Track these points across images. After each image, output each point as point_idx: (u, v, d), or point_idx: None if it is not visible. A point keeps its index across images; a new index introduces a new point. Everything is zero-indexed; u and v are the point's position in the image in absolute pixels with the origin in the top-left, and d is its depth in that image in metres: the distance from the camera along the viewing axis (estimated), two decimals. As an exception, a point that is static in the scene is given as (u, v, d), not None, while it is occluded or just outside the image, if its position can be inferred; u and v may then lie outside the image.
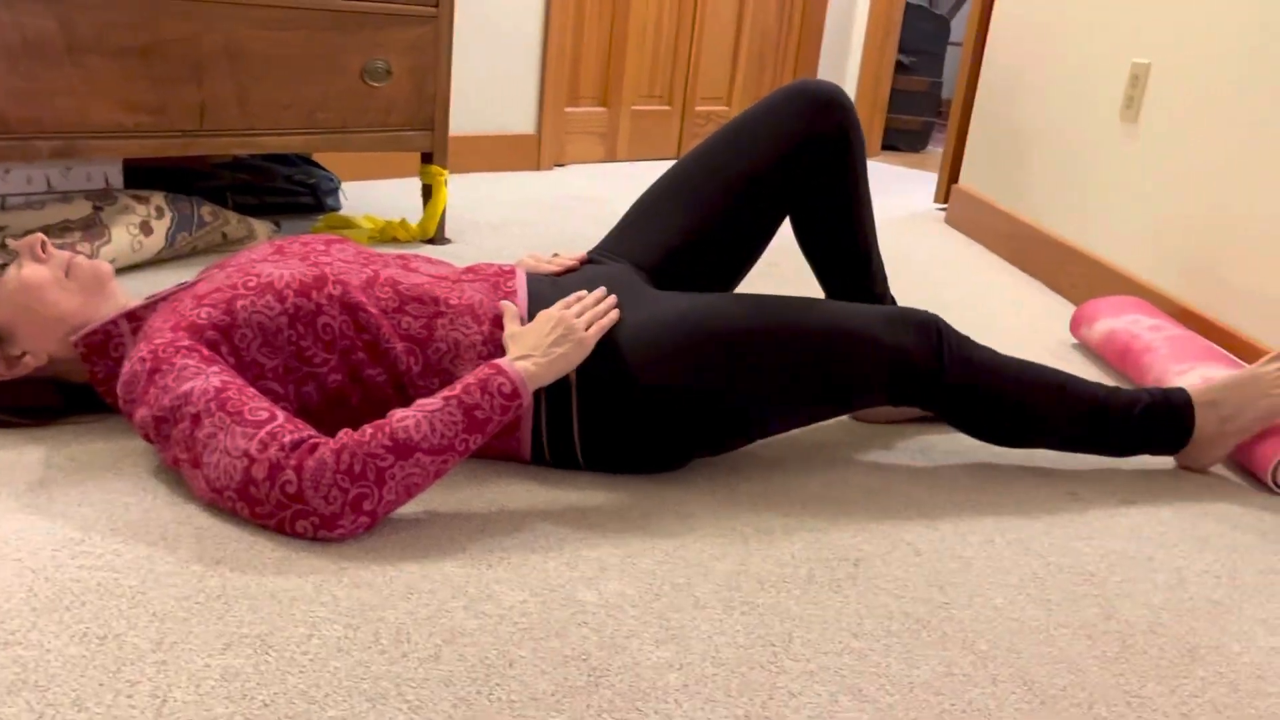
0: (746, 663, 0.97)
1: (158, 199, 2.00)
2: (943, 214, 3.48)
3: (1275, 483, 1.45)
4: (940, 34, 5.22)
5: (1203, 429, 1.42)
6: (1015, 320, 2.26)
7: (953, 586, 1.14)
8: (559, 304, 1.27)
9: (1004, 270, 2.74)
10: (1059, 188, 2.63)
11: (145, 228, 1.95)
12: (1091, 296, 2.36)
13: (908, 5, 4.88)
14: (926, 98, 5.16)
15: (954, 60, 6.38)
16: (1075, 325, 2.07)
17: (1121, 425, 1.39)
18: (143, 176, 2.26)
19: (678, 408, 1.25)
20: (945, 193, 3.58)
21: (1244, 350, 1.80)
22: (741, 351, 1.25)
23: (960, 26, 6.29)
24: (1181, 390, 1.43)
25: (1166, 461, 1.53)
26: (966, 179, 3.28)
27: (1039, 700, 0.96)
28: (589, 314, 1.26)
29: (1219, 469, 1.53)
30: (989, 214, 3.01)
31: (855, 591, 1.11)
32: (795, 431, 1.53)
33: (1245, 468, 1.51)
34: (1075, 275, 2.46)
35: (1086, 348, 2.07)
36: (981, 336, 2.09)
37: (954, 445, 1.53)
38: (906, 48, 5.01)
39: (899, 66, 4.94)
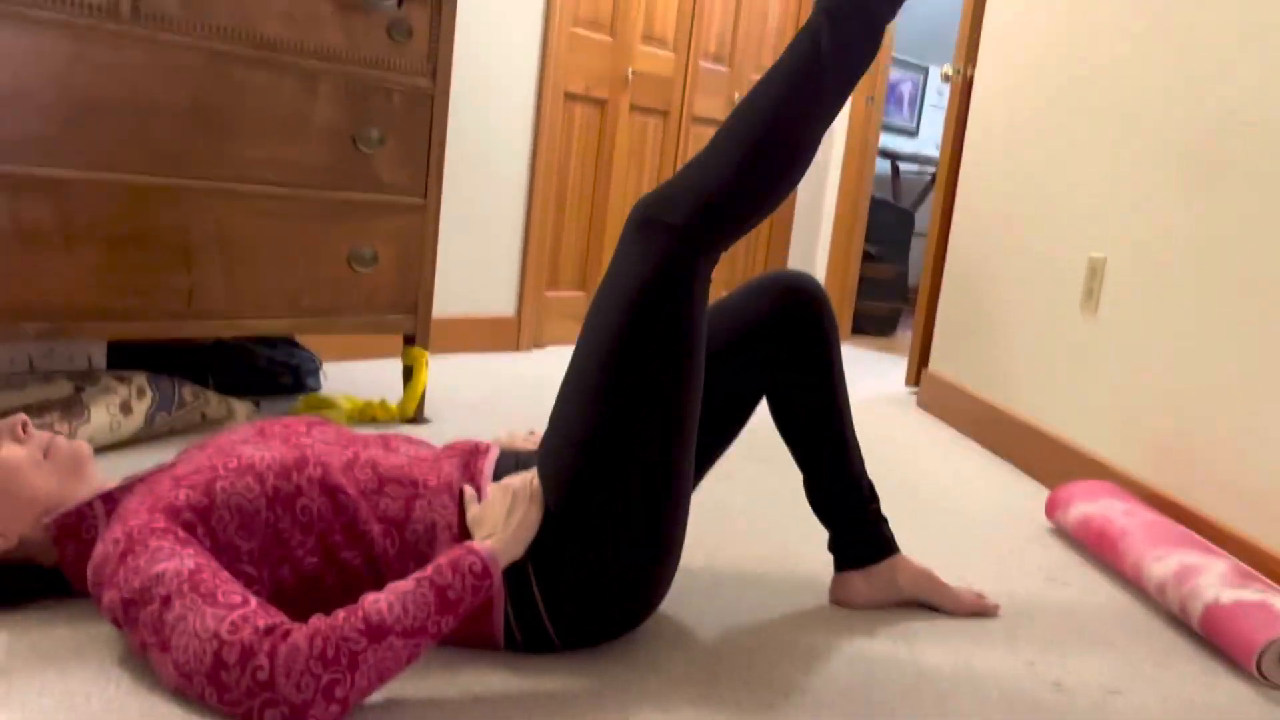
0: None
1: (139, 379, 2.01)
2: (914, 397, 3.55)
3: (1261, 672, 1.44)
4: (904, 225, 5.46)
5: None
6: (991, 504, 2.27)
7: (941, 782, 1.10)
8: (507, 477, 1.28)
9: (977, 453, 2.77)
10: (1027, 373, 2.70)
11: (125, 408, 1.95)
12: (1064, 480, 2.38)
13: (874, 199, 5.12)
14: (894, 285, 5.34)
15: (919, 249, 6.65)
16: (1050, 509, 2.08)
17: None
18: (126, 355, 2.28)
19: (608, 510, 1.25)
20: (916, 376, 3.65)
21: (1213, 533, 1.82)
22: (591, 415, 1.26)
23: (924, 218, 6.59)
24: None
25: (1148, 650, 1.51)
26: (936, 363, 3.36)
27: None
28: (528, 474, 1.27)
29: (1204, 658, 1.52)
30: (959, 398, 3.07)
31: (841, 788, 1.07)
32: (775, 617, 1.51)
33: (1228, 655, 1.50)
34: (1047, 459, 2.49)
35: (1063, 531, 2.08)
36: (958, 520, 2.10)
37: (935, 632, 1.52)
38: (873, 237, 5.22)
39: (866, 255, 5.14)
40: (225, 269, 2.04)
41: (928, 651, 1.44)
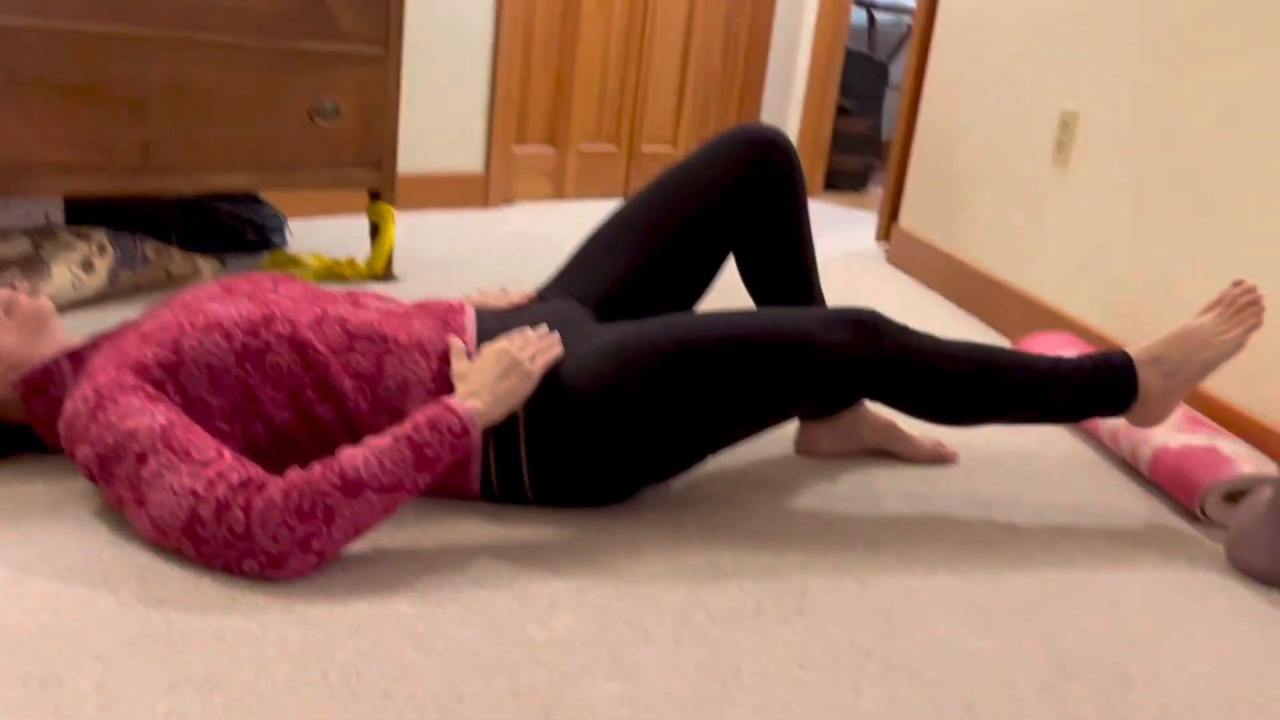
0: (696, 695, 0.97)
1: (100, 236, 1.98)
2: (884, 252, 3.56)
3: (1204, 513, 1.50)
4: (879, 78, 5.35)
5: (1147, 387, 1.43)
6: (955, 357, 2.31)
7: (898, 617, 1.16)
8: (503, 339, 1.28)
9: (944, 308, 2.81)
10: (995, 228, 2.71)
11: (87, 265, 1.92)
12: (1026, 332, 2.43)
13: (848, 51, 5.00)
14: (867, 140, 5.28)
15: (893, 104, 6.54)
16: (1012, 361, 2.12)
17: (1066, 391, 1.40)
18: (84, 213, 2.23)
19: (622, 432, 1.27)
20: (886, 231, 3.66)
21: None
22: (678, 365, 1.27)
23: (899, 71, 6.46)
24: (1122, 351, 1.44)
25: (1099, 494, 1.58)
26: (906, 219, 3.36)
27: (981, 727, 0.98)
28: (533, 348, 1.27)
29: (1151, 501, 1.58)
30: (928, 253, 3.08)
31: (803, 623, 1.12)
32: (742, 466, 1.55)
33: (1174, 497, 1.56)
34: (1012, 313, 2.53)
35: (1023, 383, 2.12)
36: (922, 373, 2.14)
37: (897, 478, 1.57)
38: (847, 92, 5.13)
39: (840, 110, 5.05)
40: (182, 122, 1.97)
41: (888, 496, 1.49)
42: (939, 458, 1.64)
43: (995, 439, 1.78)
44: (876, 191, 5.42)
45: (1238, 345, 1.44)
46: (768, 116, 4.68)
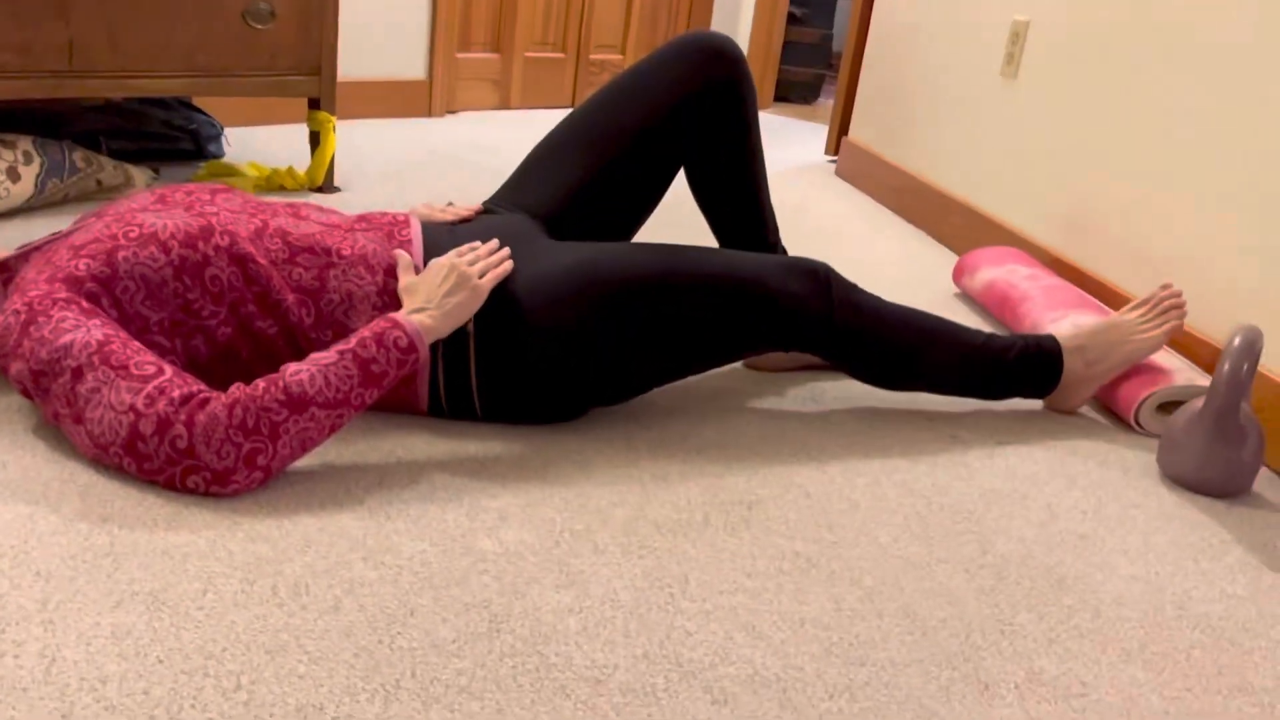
0: (644, 605, 0.99)
1: (25, 144, 1.90)
2: (833, 166, 3.54)
3: (1138, 423, 1.55)
4: (832, -14, 5.27)
5: (1070, 373, 1.51)
6: (902, 271, 2.33)
7: (841, 527, 1.19)
8: (452, 253, 1.26)
9: (891, 221, 2.81)
10: (944, 141, 2.71)
11: (12, 173, 1.85)
12: (973, 247, 2.45)
13: (800, -44, 4.91)
14: (818, 50, 5.21)
15: (845, 13, 6.45)
16: (958, 275, 2.14)
17: (995, 369, 1.46)
18: (7, 120, 2.13)
19: (574, 357, 1.27)
20: (836, 145, 3.64)
21: (1113, 298, 1.90)
22: (636, 298, 1.27)
23: (851, -21, 6.36)
24: (1051, 337, 1.51)
25: (1037, 404, 1.61)
26: (856, 131, 3.34)
27: (921, 631, 1.01)
28: (483, 263, 1.25)
29: (1086, 411, 1.62)
30: (877, 166, 3.08)
31: (749, 534, 1.14)
32: (690, 380, 1.56)
33: (1110, 409, 1.61)
34: (958, 226, 2.54)
35: (969, 296, 2.15)
36: (870, 286, 2.15)
37: (843, 391, 1.59)
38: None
39: (791, 18, 4.97)
40: (107, 21, 1.88)
41: (834, 409, 1.52)
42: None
43: (939, 352, 1.80)
44: (826, 104, 5.38)
45: (1157, 344, 1.53)
46: (718, 24, 4.59)
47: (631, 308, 1.27)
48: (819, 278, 1.35)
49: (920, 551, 1.16)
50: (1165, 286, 1.56)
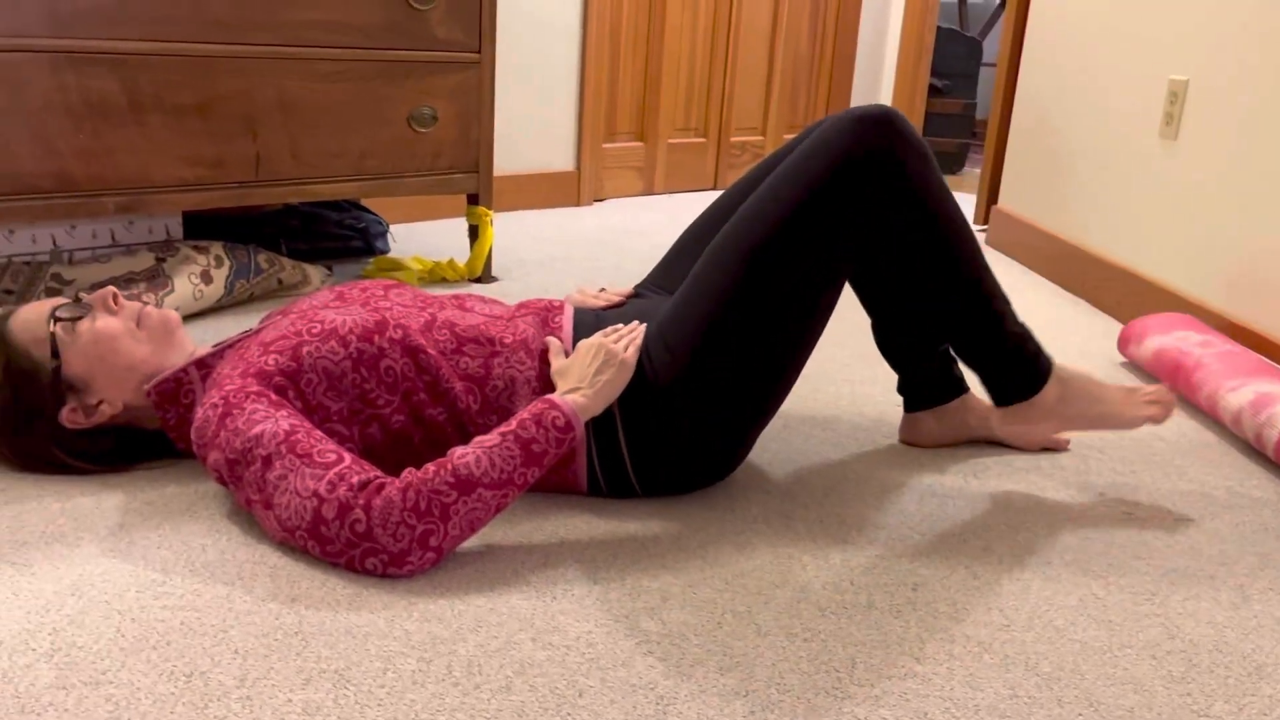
0: (811, 689, 0.98)
1: (217, 248, 2.06)
2: (983, 234, 3.48)
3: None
4: (973, 55, 5.23)
5: (1043, 398, 1.48)
6: (1063, 340, 2.25)
7: (1012, 609, 1.15)
8: (598, 334, 1.30)
9: (1048, 290, 2.73)
10: (1101, 206, 2.63)
11: (206, 276, 2.01)
12: (1138, 314, 2.35)
13: (939, 29, 4.90)
14: (961, 119, 5.16)
15: (988, 81, 6.38)
16: (1123, 343, 2.06)
17: (992, 335, 1.43)
18: (201, 226, 2.33)
19: (712, 377, 1.27)
20: (985, 214, 3.57)
21: (1297, 364, 1.79)
22: (732, 302, 1.27)
23: (993, 47, 6.30)
24: (1049, 359, 1.48)
25: (1222, 479, 1.52)
26: (1006, 199, 3.28)
27: (1105, 721, 0.96)
28: (625, 339, 1.29)
29: (1275, 487, 1.52)
30: (1030, 234, 3.01)
31: (915, 616, 1.12)
32: (846, 458, 1.54)
33: (1304, 482, 1.50)
34: (1121, 293, 2.45)
35: (1137, 366, 2.06)
36: (1029, 357, 2.09)
37: (1006, 466, 1.54)
38: (940, 71, 5.02)
39: (933, 90, 4.96)
40: (289, 135, 2.05)
41: (998, 485, 1.47)
42: (1050, 445, 1.61)
43: (1108, 424, 1.73)
44: (972, 172, 5.30)
45: (1131, 423, 1.48)
46: (858, 99, 4.61)
47: (736, 304, 1.27)
48: (878, 118, 1.29)
49: (1100, 636, 1.10)
50: (1168, 388, 1.52)
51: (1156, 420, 1.47)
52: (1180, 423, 1.77)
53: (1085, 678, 1.02)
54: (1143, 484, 1.50)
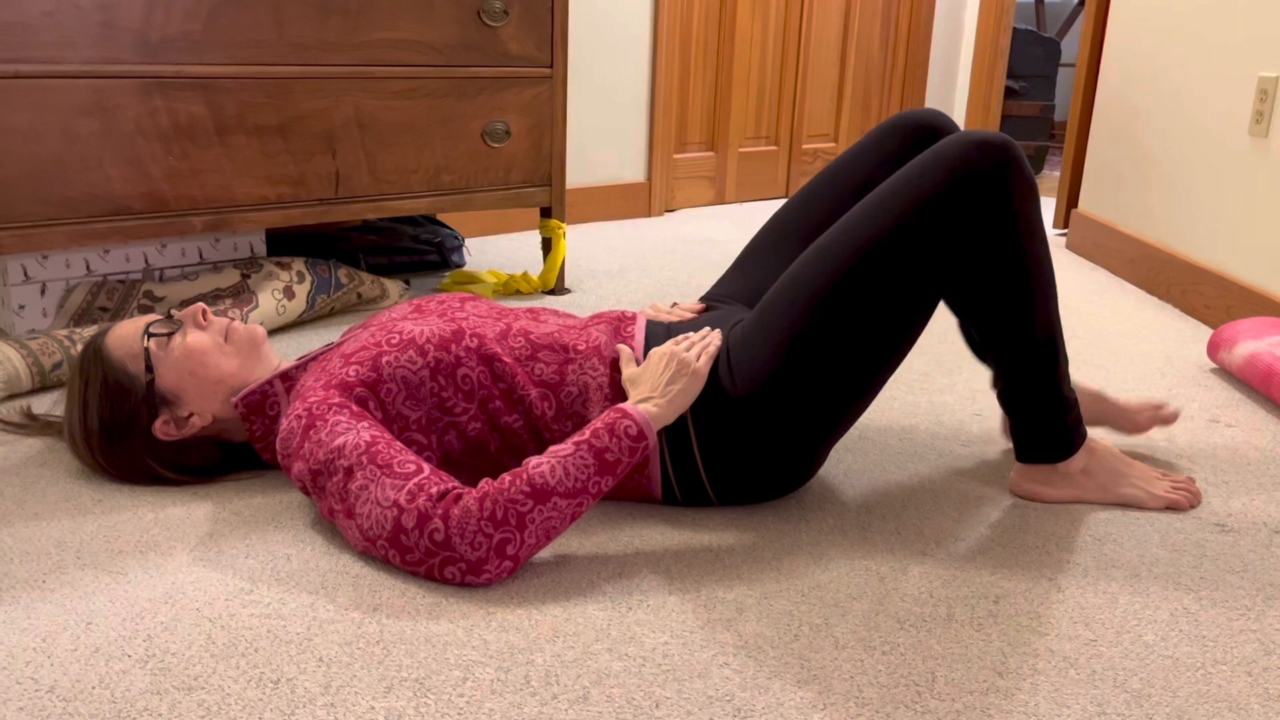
0: (890, 702, 0.97)
1: (298, 265, 2.12)
2: (1063, 239, 3.40)
3: None
4: (1051, 56, 5.12)
5: (1067, 465, 1.40)
6: (1150, 345, 2.19)
7: (1099, 623, 1.12)
8: (670, 342, 1.30)
9: (1133, 295, 2.66)
10: (1187, 207, 2.55)
11: (288, 292, 2.06)
12: (1228, 318, 2.27)
13: (1016, 30, 4.82)
14: (1039, 122, 5.06)
15: (1066, 82, 6.24)
16: (1213, 349, 2.00)
17: (1044, 400, 1.35)
18: (283, 243, 2.39)
19: (786, 393, 1.26)
20: (1065, 218, 3.50)
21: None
22: (819, 313, 1.25)
23: (1071, 47, 6.16)
24: (1085, 431, 1.40)
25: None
26: (1086, 203, 3.20)
27: (1199, 740, 0.93)
28: (697, 347, 1.29)
29: (1381, 495, 1.46)
30: (1113, 238, 2.93)
31: (997, 629, 1.10)
32: (924, 468, 1.52)
33: None
34: (1209, 297, 2.37)
35: (1226, 372, 2.00)
36: (1117, 361, 2.04)
37: (1091, 477, 1.50)
38: (1016, 72, 4.93)
39: (1009, 92, 4.87)
40: (367, 152, 2.09)
41: (1083, 497, 1.43)
42: (1159, 420, 1.58)
43: (1199, 433, 1.68)
44: (1051, 175, 5.19)
45: (1155, 503, 1.41)
46: (931, 103, 4.55)
47: (826, 317, 1.24)
48: (997, 145, 1.23)
49: (1193, 652, 1.07)
50: (1193, 480, 1.45)
51: (1179, 508, 1.41)
52: (1275, 430, 1.71)
53: (1177, 695, 0.99)
54: (1235, 494, 1.45)
